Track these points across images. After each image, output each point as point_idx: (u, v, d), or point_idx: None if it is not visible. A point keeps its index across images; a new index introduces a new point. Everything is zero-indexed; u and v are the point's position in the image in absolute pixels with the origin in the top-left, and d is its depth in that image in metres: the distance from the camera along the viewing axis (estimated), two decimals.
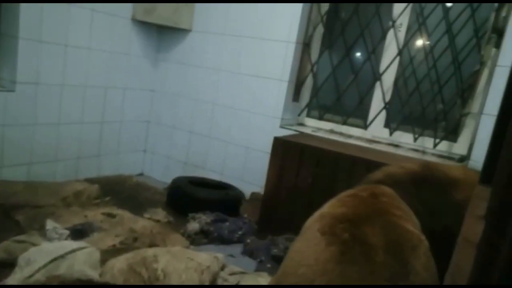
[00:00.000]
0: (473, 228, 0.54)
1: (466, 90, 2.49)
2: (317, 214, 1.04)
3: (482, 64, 2.42)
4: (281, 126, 2.91)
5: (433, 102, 2.60)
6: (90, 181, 2.97)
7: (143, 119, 3.54)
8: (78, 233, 2.18)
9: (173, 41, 3.39)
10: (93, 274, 1.80)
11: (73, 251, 1.87)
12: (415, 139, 2.64)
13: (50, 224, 2.13)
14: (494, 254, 0.35)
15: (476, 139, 2.36)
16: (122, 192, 2.97)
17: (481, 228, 0.49)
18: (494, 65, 2.31)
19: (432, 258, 0.82)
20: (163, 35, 3.42)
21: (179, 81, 3.40)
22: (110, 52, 3.06)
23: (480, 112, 2.36)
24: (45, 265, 1.70)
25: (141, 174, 3.60)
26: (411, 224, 0.88)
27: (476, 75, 2.45)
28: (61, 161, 2.93)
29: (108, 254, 2.00)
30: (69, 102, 2.88)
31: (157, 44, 3.44)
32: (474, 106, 2.48)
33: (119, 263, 1.86)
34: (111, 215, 2.48)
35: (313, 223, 0.97)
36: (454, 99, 2.55)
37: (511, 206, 0.35)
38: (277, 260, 2.16)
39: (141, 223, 2.41)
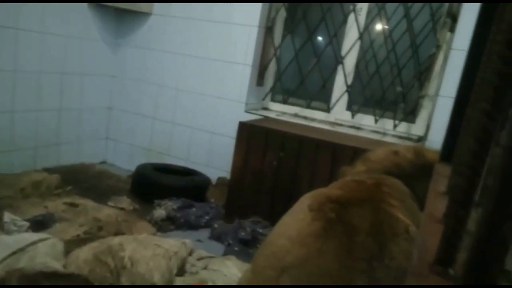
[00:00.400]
0: (435, 204, 0.57)
1: (423, 73, 2.58)
2: (314, 191, 1.03)
3: (438, 47, 2.52)
4: (246, 111, 2.91)
5: (392, 85, 2.68)
6: (50, 170, 2.87)
7: (104, 106, 3.43)
8: (38, 224, 2.11)
9: (132, 24, 3.29)
10: (57, 266, 1.76)
11: (34, 243, 1.81)
12: (376, 121, 2.72)
13: (7, 216, 2.04)
14: (461, 228, 0.37)
15: (432, 120, 2.46)
16: (85, 181, 2.89)
17: (443, 204, 0.52)
18: (449, 48, 2.40)
19: None
20: (121, 18, 3.30)
21: (141, 66, 3.31)
22: (65, 36, 2.93)
23: (436, 94, 2.46)
24: (4, 259, 1.64)
25: (103, 162, 3.51)
26: (405, 215, 0.90)
27: (432, 58, 2.55)
28: (17, 151, 2.80)
29: (72, 244, 1.96)
30: (23, 89, 2.74)
31: (115, 28, 3.32)
32: (431, 89, 2.58)
33: (83, 253, 1.83)
34: (73, 205, 2.41)
35: (305, 199, 0.98)
36: (412, 81, 2.64)
37: (476, 182, 0.37)
38: (245, 243, 2.19)
39: (106, 212, 2.36)
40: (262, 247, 0.91)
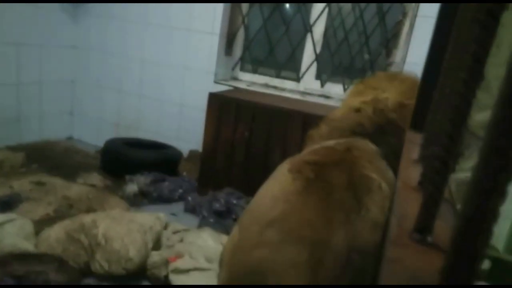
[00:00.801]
0: (409, 172, 0.57)
1: (390, 40, 2.61)
2: (290, 158, 1.10)
3: (404, 14, 2.54)
4: (216, 82, 2.87)
5: (360, 52, 2.70)
6: (13, 149, 2.75)
7: (66, 79, 3.28)
8: (4, 205, 2.04)
9: None
10: (27, 246, 1.72)
11: (1, 224, 1.76)
12: (345, 90, 2.75)
13: None
14: (439, 196, 0.38)
15: None
16: (51, 158, 2.80)
17: (416, 171, 0.53)
18: (414, 15, 2.43)
19: (388, 204, 0.90)
20: None
21: (103, 36, 3.16)
22: (19, 5, 2.74)
23: (403, 61, 2.50)
24: None
25: (70, 138, 3.40)
26: (377, 175, 0.96)
27: (399, 25, 2.57)
28: None
29: (42, 224, 1.92)
30: None
31: None
32: (398, 56, 2.61)
33: (55, 232, 1.79)
34: (40, 184, 2.34)
35: (284, 165, 1.04)
36: (379, 49, 2.66)
37: (454, 150, 0.38)
38: (219, 214, 2.21)
39: (75, 189, 2.31)
40: (247, 208, 0.95)
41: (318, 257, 0.75)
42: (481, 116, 0.61)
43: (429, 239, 0.37)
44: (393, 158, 1.16)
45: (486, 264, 0.38)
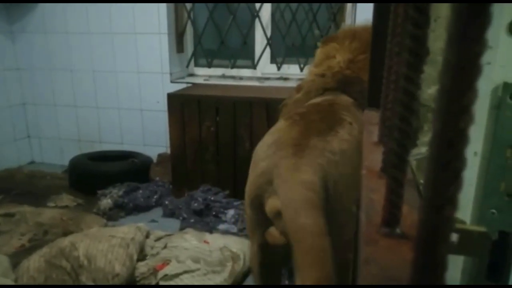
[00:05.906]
0: (371, 156, 0.56)
1: (337, 13, 2.64)
2: (283, 114, 1.43)
3: None
4: (172, 81, 2.83)
5: (310, 30, 2.72)
6: None
7: (16, 103, 3.14)
8: None
9: (25, 7, 2.96)
10: (7, 282, 1.66)
11: None
12: (301, 69, 2.78)
13: None
14: (401, 185, 0.37)
15: None
16: (15, 187, 2.69)
17: (378, 155, 0.52)
18: None
19: (355, 133, 1.16)
20: (10, 4, 2.96)
21: (47, 52, 3.03)
22: None
23: None
24: None
25: (32, 163, 3.27)
26: (351, 119, 1.21)
27: None
28: None
29: (18, 256, 1.86)
30: None
31: (7, 14, 2.98)
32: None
33: (34, 262, 1.74)
34: (9, 215, 2.26)
35: (280, 119, 1.33)
36: (328, 23, 2.69)
37: (410, 133, 0.37)
38: (199, 213, 2.21)
39: (48, 214, 2.24)
40: (257, 145, 1.23)
41: (299, 151, 1.05)
42: (432, 89, 0.63)
43: (398, 230, 0.38)
44: (363, 100, 1.36)
45: (454, 238, 0.39)
